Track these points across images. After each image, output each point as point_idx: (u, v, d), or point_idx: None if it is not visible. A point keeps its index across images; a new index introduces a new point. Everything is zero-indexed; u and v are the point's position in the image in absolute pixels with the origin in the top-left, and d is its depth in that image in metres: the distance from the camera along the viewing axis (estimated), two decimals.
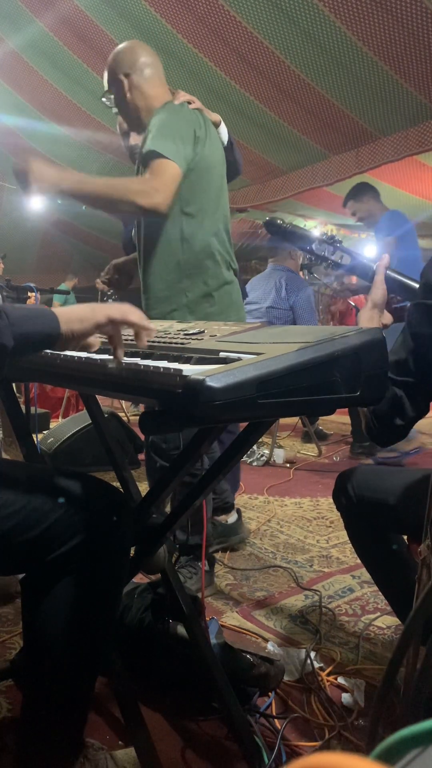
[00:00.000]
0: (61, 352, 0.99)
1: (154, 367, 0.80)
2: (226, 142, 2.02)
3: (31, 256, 8.89)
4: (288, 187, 4.90)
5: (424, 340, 1.06)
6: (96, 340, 0.93)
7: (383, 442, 1.22)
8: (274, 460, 3.84)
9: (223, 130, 2.01)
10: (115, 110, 2.02)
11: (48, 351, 1.01)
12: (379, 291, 1.25)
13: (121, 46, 1.96)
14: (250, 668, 1.33)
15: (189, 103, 1.90)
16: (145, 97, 1.91)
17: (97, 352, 0.95)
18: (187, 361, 0.87)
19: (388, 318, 1.29)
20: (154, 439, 1.93)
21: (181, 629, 1.36)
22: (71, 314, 0.87)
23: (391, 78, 3.47)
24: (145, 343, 0.93)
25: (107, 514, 0.96)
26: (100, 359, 0.92)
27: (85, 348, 0.92)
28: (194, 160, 1.80)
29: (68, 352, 0.98)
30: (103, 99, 1.99)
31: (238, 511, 2.43)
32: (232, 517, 2.39)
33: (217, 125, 1.97)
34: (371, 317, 1.25)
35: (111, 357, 0.90)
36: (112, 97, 1.97)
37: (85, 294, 8.38)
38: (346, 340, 0.82)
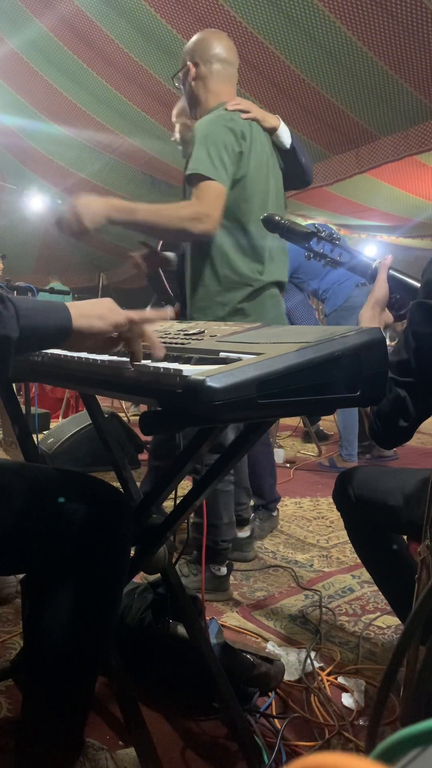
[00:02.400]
0: (62, 352, 0.98)
1: (154, 367, 0.80)
2: (288, 146, 1.98)
3: (31, 256, 8.89)
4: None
5: (426, 340, 1.06)
6: (117, 341, 0.88)
7: (387, 444, 1.20)
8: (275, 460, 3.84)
9: (285, 134, 1.97)
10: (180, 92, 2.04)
11: (49, 351, 1.00)
12: (381, 290, 1.25)
13: (201, 32, 1.95)
14: (250, 668, 1.33)
15: (245, 112, 1.87)
16: (206, 90, 1.91)
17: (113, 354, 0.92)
18: (187, 361, 0.87)
19: (389, 317, 1.29)
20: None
21: (181, 629, 1.36)
22: (88, 309, 0.83)
23: (391, 78, 3.47)
24: (160, 354, 0.87)
25: (107, 514, 0.96)
26: (100, 359, 0.92)
27: (107, 348, 0.88)
28: (237, 173, 1.81)
29: (68, 352, 0.98)
30: (173, 79, 2.01)
31: (253, 530, 2.34)
32: (243, 533, 2.30)
33: (275, 130, 1.94)
34: (372, 316, 1.25)
35: (125, 359, 0.88)
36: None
37: (84, 294, 8.38)
38: (346, 340, 0.82)
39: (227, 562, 1.97)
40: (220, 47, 1.91)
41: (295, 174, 2.04)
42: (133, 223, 1.78)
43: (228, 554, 1.99)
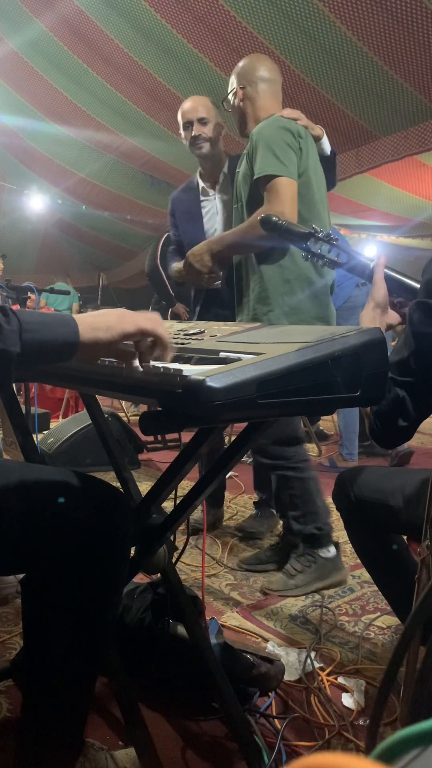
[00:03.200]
0: None
1: (154, 367, 0.80)
2: (328, 153, 2.13)
3: (31, 256, 8.90)
4: None
5: (426, 340, 1.05)
6: (132, 353, 0.85)
7: (387, 444, 1.20)
8: None
9: (326, 142, 2.12)
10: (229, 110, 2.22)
11: None
12: (380, 291, 1.25)
13: (246, 58, 2.16)
14: (250, 668, 1.33)
15: (295, 120, 1.99)
16: (254, 107, 2.08)
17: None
18: (188, 361, 0.87)
19: (393, 317, 1.28)
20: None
21: (181, 629, 1.36)
22: (96, 321, 0.80)
23: (391, 78, 3.47)
24: (168, 358, 0.86)
25: (107, 514, 0.96)
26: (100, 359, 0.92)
27: (122, 357, 0.85)
28: (300, 167, 1.92)
29: None
30: (223, 103, 2.22)
31: (336, 545, 2.07)
32: (328, 552, 2.04)
33: (319, 138, 2.08)
34: (373, 318, 1.24)
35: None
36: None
37: (84, 294, 8.38)
38: (346, 340, 0.82)
39: (334, 542, 2.04)
40: (263, 68, 2.09)
41: (329, 180, 2.18)
42: (227, 249, 2.06)
43: (331, 534, 2.05)
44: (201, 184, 2.49)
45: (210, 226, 2.45)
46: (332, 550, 2.02)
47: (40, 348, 0.76)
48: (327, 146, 2.13)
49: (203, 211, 2.47)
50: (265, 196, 1.88)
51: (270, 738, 1.24)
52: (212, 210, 2.47)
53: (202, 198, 2.48)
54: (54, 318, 0.80)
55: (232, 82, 2.12)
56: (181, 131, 2.39)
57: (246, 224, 1.97)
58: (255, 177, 1.90)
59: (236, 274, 2.13)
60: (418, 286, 1.24)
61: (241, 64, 2.13)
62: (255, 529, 2.48)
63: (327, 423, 4.99)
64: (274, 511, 2.56)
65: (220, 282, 2.30)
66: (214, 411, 0.70)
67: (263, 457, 2.05)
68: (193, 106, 2.34)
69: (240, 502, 3.01)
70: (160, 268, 4.47)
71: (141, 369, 0.84)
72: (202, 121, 2.31)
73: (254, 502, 2.61)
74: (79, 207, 7.21)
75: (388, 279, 1.26)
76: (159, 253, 4.51)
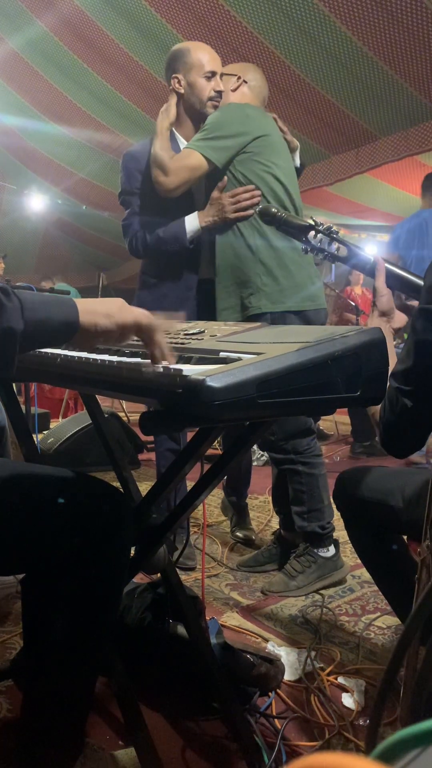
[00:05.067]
0: (62, 351, 0.98)
1: (154, 367, 0.80)
2: (297, 165, 2.24)
3: (31, 256, 8.89)
4: None
5: (430, 349, 1.02)
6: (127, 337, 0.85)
7: (400, 454, 1.15)
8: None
9: (297, 155, 2.24)
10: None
11: (49, 351, 1.00)
12: (383, 297, 1.22)
13: (247, 64, 2.25)
14: (250, 668, 1.33)
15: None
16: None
17: (112, 354, 0.91)
18: (188, 361, 0.87)
19: (401, 320, 1.26)
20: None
21: (181, 629, 1.36)
22: (96, 306, 0.81)
23: (391, 78, 3.47)
24: (158, 360, 0.85)
25: (107, 514, 0.96)
26: (100, 359, 0.92)
27: (117, 341, 0.86)
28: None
29: (68, 352, 0.98)
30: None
31: (336, 544, 2.08)
32: (327, 551, 2.05)
33: (293, 150, 2.19)
34: (380, 324, 1.22)
35: (125, 359, 0.87)
36: None
37: (85, 294, 8.37)
38: (346, 340, 0.82)
39: (333, 540, 2.05)
40: (260, 77, 2.21)
41: None
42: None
43: (332, 534, 2.05)
44: (181, 139, 2.16)
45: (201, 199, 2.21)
46: (332, 549, 2.03)
47: (41, 327, 0.76)
48: (297, 159, 2.23)
49: None
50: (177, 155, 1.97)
51: (270, 738, 1.24)
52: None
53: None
54: (54, 298, 0.80)
55: (232, 70, 2.16)
56: (198, 78, 2.06)
57: (166, 160, 1.97)
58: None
59: (210, 265, 2.09)
60: (420, 282, 1.23)
61: (242, 64, 2.20)
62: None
63: (327, 423, 4.98)
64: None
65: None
66: (214, 411, 0.70)
67: (276, 453, 2.03)
68: (217, 57, 2.12)
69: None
70: None
71: (146, 368, 0.83)
72: (221, 77, 2.10)
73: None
74: (79, 207, 7.21)
75: (390, 276, 1.24)
76: None
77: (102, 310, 0.81)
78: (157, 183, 1.99)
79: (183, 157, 1.96)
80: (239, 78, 2.14)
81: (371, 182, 5.06)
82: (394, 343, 1.26)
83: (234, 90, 2.14)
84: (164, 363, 0.83)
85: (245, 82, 2.15)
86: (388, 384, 1.05)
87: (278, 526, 2.23)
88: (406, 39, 3.13)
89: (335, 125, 4.08)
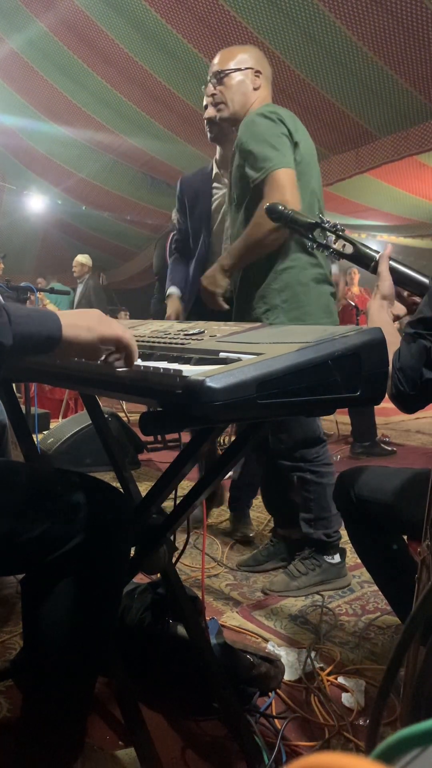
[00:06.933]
0: None
1: (154, 367, 0.80)
2: None
3: (31, 256, 8.89)
4: None
5: None
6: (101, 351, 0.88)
7: (409, 405, 1.10)
8: None
9: None
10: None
11: None
12: (385, 282, 1.24)
13: (251, 47, 2.08)
14: (250, 668, 1.33)
15: None
16: (259, 98, 1.98)
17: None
18: (187, 361, 0.87)
19: (400, 309, 1.27)
20: (273, 444, 2.00)
21: (181, 629, 1.36)
22: (78, 320, 0.84)
23: (391, 78, 3.47)
24: (132, 366, 0.88)
25: (107, 514, 0.96)
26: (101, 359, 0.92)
27: (92, 357, 0.88)
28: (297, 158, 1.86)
29: None
30: (216, 77, 2.07)
31: (342, 552, 2.06)
32: (333, 559, 2.04)
33: None
34: (381, 306, 1.23)
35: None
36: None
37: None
38: (346, 340, 0.81)
39: (340, 549, 2.04)
40: (268, 66, 2.04)
41: None
42: (238, 260, 1.92)
43: (339, 543, 2.04)
44: (215, 169, 2.34)
45: (218, 217, 2.32)
46: (337, 557, 2.02)
47: (26, 341, 0.78)
48: None
49: (213, 198, 2.34)
50: (264, 190, 1.80)
51: (270, 738, 1.24)
52: (222, 199, 2.33)
53: (214, 185, 2.35)
54: (39, 312, 0.83)
55: (245, 61, 1.98)
56: None
57: (250, 226, 1.85)
58: (256, 179, 1.82)
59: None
60: (424, 279, 1.23)
61: (249, 48, 2.03)
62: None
63: (327, 423, 4.99)
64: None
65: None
66: (214, 411, 0.70)
67: (285, 461, 2.00)
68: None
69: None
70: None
71: (123, 369, 0.86)
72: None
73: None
74: (79, 207, 7.22)
75: (394, 272, 1.25)
76: (167, 251, 4.50)
77: (83, 324, 0.84)
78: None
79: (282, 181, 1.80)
80: (257, 72, 1.97)
81: (371, 182, 5.06)
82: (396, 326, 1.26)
83: (256, 89, 1.97)
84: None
85: (261, 72, 1.98)
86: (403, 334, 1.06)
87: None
88: (406, 39, 3.13)
89: (335, 125, 4.08)
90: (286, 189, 1.75)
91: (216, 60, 2.00)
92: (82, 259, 6.04)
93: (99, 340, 0.85)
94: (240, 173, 1.90)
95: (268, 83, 2.02)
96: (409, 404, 1.09)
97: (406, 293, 1.28)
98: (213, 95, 2.00)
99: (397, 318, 1.27)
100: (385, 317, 1.22)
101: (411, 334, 1.05)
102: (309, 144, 1.94)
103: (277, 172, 1.77)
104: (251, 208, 1.88)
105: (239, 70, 1.96)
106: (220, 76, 1.97)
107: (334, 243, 1.29)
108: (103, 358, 0.89)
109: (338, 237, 1.29)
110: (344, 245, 1.29)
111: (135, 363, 0.87)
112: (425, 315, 1.05)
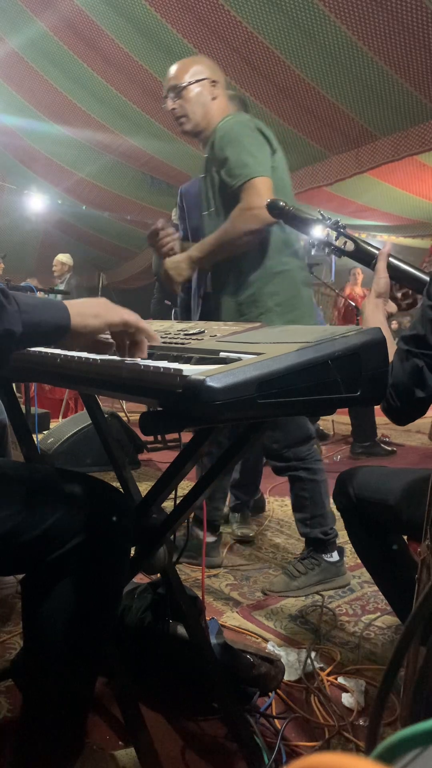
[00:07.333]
0: (61, 351, 0.98)
1: (154, 367, 0.80)
2: None
3: (31, 256, 8.89)
4: None
5: None
6: (109, 344, 0.90)
7: (402, 419, 1.14)
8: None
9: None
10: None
11: (49, 351, 1.00)
12: (381, 279, 1.24)
13: (201, 58, 2.10)
14: (250, 668, 1.33)
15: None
16: (218, 107, 1.99)
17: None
18: (188, 361, 0.87)
19: (392, 307, 1.28)
20: (265, 444, 2.02)
21: (181, 629, 1.36)
22: (85, 308, 0.84)
23: (391, 78, 3.47)
24: (145, 353, 0.90)
25: (107, 514, 0.96)
26: (100, 359, 0.92)
27: (99, 349, 0.90)
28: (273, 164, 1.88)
29: (68, 352, 0.98)
30: (174, 92, 2.05)
31: (341, 551, 2.06)
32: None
33: None
34: (376, 305, 1.24)
35: (115, 358, 0.89)
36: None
37: (84, 294, 8.37)
38: (346, 340, 0.81)
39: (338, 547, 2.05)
40: (222, 73, 2.04)
41: None
42: (210, 254, 1.91)
43: (336, 540, 2.04)
44: None
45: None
46: (335, 555, 2.02)
47: (35, 329, 0.79)
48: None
49: None
50: (241, 196, 1.80)
51: (270, 738, 1.24)
52: None
53: None
54: (47, 302, 0.83)
55: (200, 72, 1.96)
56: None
57: (226, 224, 1.85)
58: (233, 185, 1.82)
59: (213, 278, 2.05)
60: (424, 276, 1.23)
61: (201, 59, 2.05)
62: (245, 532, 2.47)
63: (327, 423, 4.98)
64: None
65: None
66: (215, 411, 0.70)
67: (278, 461, 2.03)
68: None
69: None
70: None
71: (128, 361, 0.86)
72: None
73: (231, 507, 2.56)
74: (79, 207, 7.22)
75: (394, 269, 1.25)
76: None
77: (90, 312, 0.84)
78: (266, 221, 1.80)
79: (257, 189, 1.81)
80: (213, 82, 1.97)
81: (371, 182, 5.06)
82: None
83: (214, 99, 1.97)
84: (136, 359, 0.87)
85: (218, 82, 1.98)
86: (396, 347, 1.07)
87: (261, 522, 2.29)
88: (406, 39, 3.13)
89: (335, 125, 4.08)
90: (263, 196, 1.74)
91: (171, 74, 2.00)
92: (63, 258, 6.00)
93: (106, 326, 0.85)
94: (216, 179, 1.92)
95: (224, 91, 2.04)
96: (401, 418, 1.13)
97: (399, 294, 1.29)
98: (173, 109, 2.00)
99: (390, 315, 1.27)
100: (380, 317, 1.23)
101: (405, 351, 1.05)
102: (281, 155, 1.96)
103: (255, 180, 1.79)
104: (227, 215, 1.88)
105: (197, 81, 1.96)
106: (178, 90, 1.96)
107: (336, 240, 1.29)
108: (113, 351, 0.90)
109: (339, 234, 1.28)
110: (345, 242, 1.29)
111: (155, 343, 0.90)
112: (418, 332, 1.06)
